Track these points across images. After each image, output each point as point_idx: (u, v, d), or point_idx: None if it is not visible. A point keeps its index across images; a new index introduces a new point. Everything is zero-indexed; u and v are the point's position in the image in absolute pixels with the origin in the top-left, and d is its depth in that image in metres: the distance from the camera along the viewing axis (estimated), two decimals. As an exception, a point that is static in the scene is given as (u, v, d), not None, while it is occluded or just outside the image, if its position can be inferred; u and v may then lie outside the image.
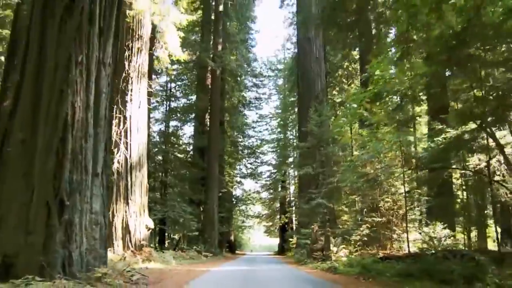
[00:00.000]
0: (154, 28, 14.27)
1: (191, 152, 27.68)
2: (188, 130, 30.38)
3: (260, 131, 39.17)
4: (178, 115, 29.03)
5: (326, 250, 13.28)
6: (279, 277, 9.32)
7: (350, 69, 26.69)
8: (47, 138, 5.37)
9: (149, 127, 17.06)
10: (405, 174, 11.97)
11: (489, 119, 8.23)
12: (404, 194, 12.58)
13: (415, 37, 6.20)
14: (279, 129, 40.56)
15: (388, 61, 6.43)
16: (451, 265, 7.81)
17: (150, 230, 13.54)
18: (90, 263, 5.54)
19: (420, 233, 12.32)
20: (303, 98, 21.03)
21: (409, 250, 11.78)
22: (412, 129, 10.57)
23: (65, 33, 5.61)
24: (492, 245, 14.61)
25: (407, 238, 12.01)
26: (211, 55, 21.14)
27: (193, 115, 27.79)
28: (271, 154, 40.33)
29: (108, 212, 6.45)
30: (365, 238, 13.46)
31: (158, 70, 19.98)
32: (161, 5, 13.48)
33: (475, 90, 8.75)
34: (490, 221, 14.77)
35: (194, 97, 28.17)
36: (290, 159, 36.77)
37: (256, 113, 36.88)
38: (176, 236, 24.35)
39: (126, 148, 12.66)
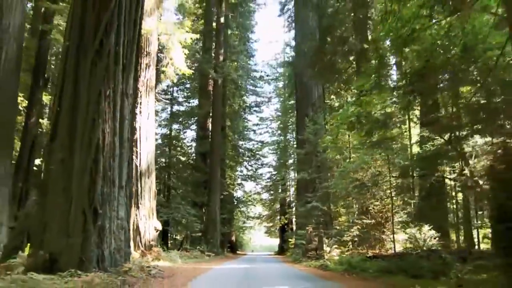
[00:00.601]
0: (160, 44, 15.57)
1: (194, 156, 29.03)
2: (189, 133, 31.53)
3: (260, 134, 40.44)
4: (180, 119, 30.31)
5: (320, 250, 14.61)
6: (274, 273, 10.64)
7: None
8: (83, 159, 6.70)
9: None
10: (391, 181, 13.30)
11: (459, 133, 9.53)
12: (390, 198, 13.89)
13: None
14: (279, 131, 41.88)
15: (367, 89, 7.70)
16: (423, 263, 9.14)
17: (158, 232, 14.89)
18: (117, 260, 6.87)
19: (406, 234, 13.59)
20: (301, 105, 22.36)
21: (395, 250, 13.08)
22: (394, 144, 11.82)
23: (95, 73, 6.94)
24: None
25: (393, 238, 13.31)
26: (213, 65, 22.49)
27: (195, 118, 29.10)
28: (271, 156, 41.72)
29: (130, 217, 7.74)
30: (356, 239, 14.77)
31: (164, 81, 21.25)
32: (168, 25, 14.81)
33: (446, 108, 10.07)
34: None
35: (196, 101, 29.48)
36: (290, 161, 38.02)
37: (257, 116, 38.19)
38: (179, 237, 25.71)
39: (136, 157, 13.96)
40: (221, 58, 23.29)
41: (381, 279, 8.88)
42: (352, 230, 14.59)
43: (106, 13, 7.17)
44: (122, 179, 7.18)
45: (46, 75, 12.42)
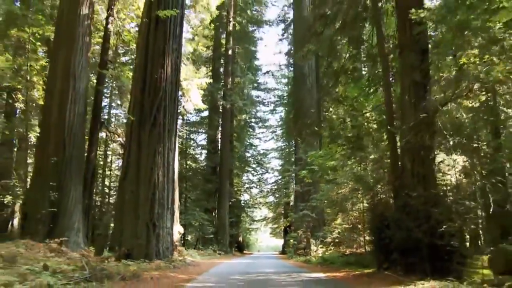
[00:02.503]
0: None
1: (204, 166, 33.58)
2: (199, 139, 35.96)
3: (266, 141, 44.91)
4: (192, 129, 34.74)
5: (307, 249, 19.01)
6: (268, 265, 15.09)
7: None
8: (145, 192, 11.18)
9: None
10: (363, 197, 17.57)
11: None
12: (362, 208, 18.19)
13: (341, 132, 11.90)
14: (283, 137, 46.18)
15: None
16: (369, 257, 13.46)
17: (181, 235, 19.40)
18: (166, 254, 11.34)
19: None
20: (298, 126, 26.69)
21: (365, 249, 17.40)
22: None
23: (151, 137, 11.42)
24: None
25: (364, 240, 17.62)
26: (222, 93, 27.03)
27: (206, 136, 33.61)
28: (276, 160, 46.03)
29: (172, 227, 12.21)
30: (337, 240, 19.08)
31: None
32: (188, 71, 19.26)
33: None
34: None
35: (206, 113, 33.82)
36: (294, 166, 42.32)
37: (261, 126, 42.50)
38: (189, 238, 30.25)
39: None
40: (229, 85, 27.82)
41: (340, 268, 13.23)
42: (333, 233, 18.93)
43: (156, 98, 11.66)
44: (169, 203, 11.65)
45: (101, 120, 16.98)
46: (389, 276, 7.87)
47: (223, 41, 30.24)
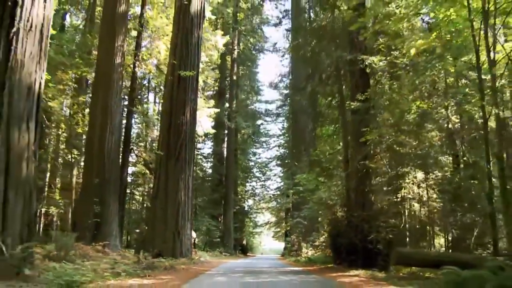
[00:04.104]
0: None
1: (210, 173, 37.97)
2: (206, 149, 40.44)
3: (268, 149, 49.37)
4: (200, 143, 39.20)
5: (299, 251, 23.26)
6: (266, 263, 19.35)
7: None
8: (172, 209, 15.50)
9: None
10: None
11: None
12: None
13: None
14: (285, 145, 50.29)
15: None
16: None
17: (194, 239, 23.67)
18: (187, 254, 15.65)
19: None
20: (295, 148, 31.01)
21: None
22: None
23: (176, 168, 15.74)
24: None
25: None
26: (226, 114, 31.50)
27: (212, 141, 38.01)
28: (279, 167, 50.29)
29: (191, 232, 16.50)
30: (324, 244, 23.31)
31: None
32: (200, 101, 23.56)
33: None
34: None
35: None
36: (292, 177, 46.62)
37: (264, 135, 46.68)
38: (197, 241, 34.57)
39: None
40: (234, 107, 32.24)
41: (317, 264, 17.45)
42: (320, 238, 23.15)
43: (179, 139, 15.99)
44: (188, 216, 15.98)
45: (130, 146, 21.41)
46: (339, 268, 12.12)
47: (228, 62, 34.61)
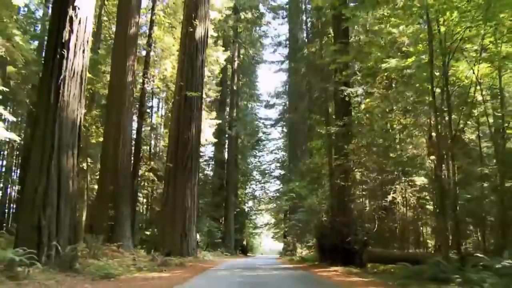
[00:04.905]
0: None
1: (211, 176, 40.24)
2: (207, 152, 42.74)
3: (268, 153, 51.54)
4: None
5: (294, 251, 25.46)
6: (263, 262, 21.57)
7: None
8: (179, 214, 17.75)
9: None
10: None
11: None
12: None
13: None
14: (285, 147, 52.46)
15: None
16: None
17: (197, 240, 25.88)
18: (193, 253, 17.88)
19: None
20: (292, 155, 33.23)
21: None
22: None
23: (184, 177, 17.97)
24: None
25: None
26: (228, 122, 33.76)
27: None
28: (278, 170, 52.50)
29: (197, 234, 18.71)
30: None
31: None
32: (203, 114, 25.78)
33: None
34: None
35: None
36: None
37: (263, 142, 48.97)
38: (199, 241, 36.89)
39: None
40: (234, 115, 34.51)
41: (307, 262, 19.66)
42: (314, 239, 25.36)
43: (186, 152, 18.22)
44: (194, 220, 18.22)
45: (141, 155, 23.67)
46: (323, 265, 14.34)
47: (229, 71, 36.84)
